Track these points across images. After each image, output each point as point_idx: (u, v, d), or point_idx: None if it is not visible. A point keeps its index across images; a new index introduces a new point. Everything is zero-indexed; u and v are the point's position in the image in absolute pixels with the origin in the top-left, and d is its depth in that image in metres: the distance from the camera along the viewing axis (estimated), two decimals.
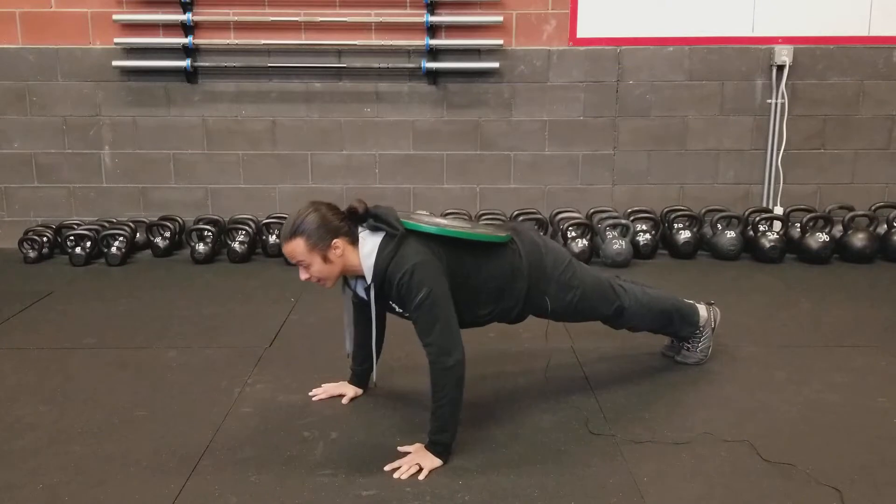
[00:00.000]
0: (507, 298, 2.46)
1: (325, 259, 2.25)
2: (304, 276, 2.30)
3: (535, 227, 2.80)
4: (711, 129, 5.04)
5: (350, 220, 2.30)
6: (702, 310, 2.94)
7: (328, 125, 5.03)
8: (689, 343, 2.95)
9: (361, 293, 2.42)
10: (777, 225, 4.81)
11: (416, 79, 4.96)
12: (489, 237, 2.41)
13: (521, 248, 2.50)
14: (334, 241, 2.24)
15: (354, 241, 2.29)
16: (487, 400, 2.65)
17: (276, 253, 4.74)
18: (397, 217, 2.29)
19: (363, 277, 2.32)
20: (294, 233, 2.24)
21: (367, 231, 2.30)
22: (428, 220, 2.39)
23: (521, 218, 4.82)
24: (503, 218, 4.81)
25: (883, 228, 4.71)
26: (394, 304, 2.35)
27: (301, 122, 5.02)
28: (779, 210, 4.96)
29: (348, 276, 2.41)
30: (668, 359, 3.01)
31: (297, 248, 2.24)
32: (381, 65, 4.91)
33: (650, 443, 2.36)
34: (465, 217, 2.74)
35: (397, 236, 2.24)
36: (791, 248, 4.71)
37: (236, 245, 4.71)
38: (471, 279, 2.35)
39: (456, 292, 2.28)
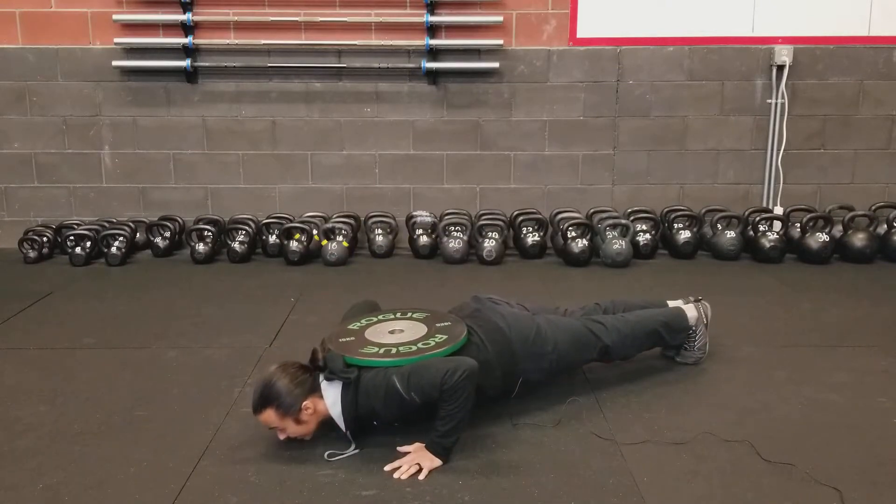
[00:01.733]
0: (485, 390, 2.43)
1: (298, 421, 2.27)
2: (282, 437, 2.32)
3: (495, 299, 2.77)
4: (711, 129, 5.04)
5: (315, 371, 2.33)
6: (689, 310, 2.94)
7: (328, 125, 5.03)
8: (685, 343, 2.95)
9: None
10: (777, 225, 4.81)
11: (416, 79, 4.96)
12: (443, 352, 2.34)
13: (484, 337, 2.49)
14: (304, 403, 2.26)
15: (321, 393, 2.31)
16: (487, 400, 2.65)
17: (276, 253, 4.75)
18: (344, 364, 2.30)
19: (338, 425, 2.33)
20: (264, 403, 2.25)
21: (326, 381, 2.32)
22: (379, 343, 2.39)
23: (520, 218, 4.82)
24: (503, 220, 4.81)
25: (883, 228, 4.71)
26: (377, 423, 2.37)
27: (301, 122, 5.02)
28: (779, 210, 4.96)
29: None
30: (667, 359, 3.01)
31: (269, 417, 2.26)
32: (381, 65, 4.91)
33: (650, 443, 2.36)
34: (422, 311, 2.69)
35: (351, 382, 2.27)
36: (791, 248, 4.71)
37: (236, 245, 4.71)
38: None
39: (429, 403, 2.25)
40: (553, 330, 2.63)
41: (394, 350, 2.36)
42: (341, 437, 2.34)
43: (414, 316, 2.64)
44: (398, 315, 2.67)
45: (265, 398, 2.25)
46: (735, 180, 5.11)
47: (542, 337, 2.58)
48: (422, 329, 2.51)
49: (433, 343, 2.39)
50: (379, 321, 2.62)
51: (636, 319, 2.83)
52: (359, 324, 2.59)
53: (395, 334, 2.50)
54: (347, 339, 2.47)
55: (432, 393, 2.20)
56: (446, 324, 2.53)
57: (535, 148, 5.06)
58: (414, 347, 2.37)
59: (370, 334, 2.50)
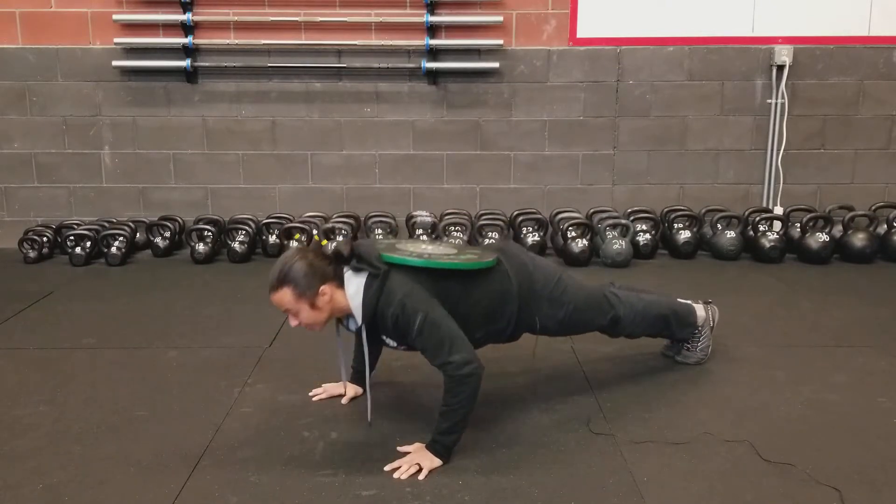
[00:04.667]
0: (499, 320, 2.45)
1: (314, 306, 2.24)
2: (293, 322, 2.30)
3: (524, 247, 2.81)
4: (711, 129, 5.04)
5: (336, 263, 2.30)
6: (699, 309, 2.94)
7: (328, 125, 5.03)
8: (688, 343, 2.95)
9: (354, 331, 2.41)
10: (777, 225, 4.81)
11: (416, 79, 4.96)
12: (474, 264, 2.38)
13: (510, 269, 2.50)
14: (321, 287, 2.23)
15: (341, 283, 2.29)
16: (487, 400, 2.64)
17: (276, 253, 4.74)
18: (378, 254, 2.29)
19: (353, 317, 2.32)
20: (281, 282, 2.22)
21: (351, 271, 2.30)
22: (413, 250, 2.40)
23: (520, 218, 4.83)
24: (503, 220, 4.81)
25: (883, 228, 4.71)
26: (388, 339, 2.36)
27: (301, 122, 5.02)
28: (779, 210, 4.96)
29: (339, 317, 2.40)
30: (668, 359, 3.01)
31: (284, 297, 2.23)
32: (381, 65, 4.91)
33: (650, 443, 2.36)
34: (454, 242, 2.74)
35: (380, 274, 2.24)
36: (791, 248, 4.71)
37: (236, 245, 4.71)
38: (460, 306, 2.33)
39: (423, 355, 2.27)
40: (573, 284, 2.65)
41: (426, 255, 2.36)
42: (341, 436, 2.33)
43: (444, 243, 2.70)
44: (427, 241, 2.70)
45: (283, 277, 2.22)
46: (735, 180, 5.11)
47: (562, 285, 2.59)
48: (452, 250, 2.55)
49: (464, 258, 2.41)
50: (409, 241, 2.63)
51: (650, 300, 2.84)
52: (387, 241, 2.60)
53: (427, 249, 2.50)
54: (379, 245, 2.47)
55: (432, 357, 2.21)
56: (476, 251, 2.59)
57: (535, 148, 5.06)
58: (445, 257, 2.38)
59: (401, 246, 2.49)
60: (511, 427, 2.47)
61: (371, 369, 2.57)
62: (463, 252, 2.51)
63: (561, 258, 4.68)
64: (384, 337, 2.36)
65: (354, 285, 2.27)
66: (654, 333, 2.91)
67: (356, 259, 2.28)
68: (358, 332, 2.35)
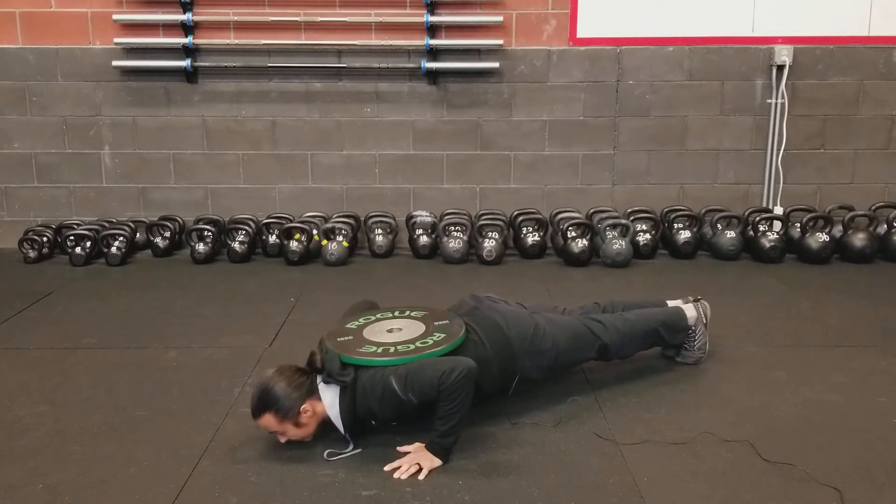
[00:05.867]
0: (483, 387, 2.43)
1: (298, 424, 2.28)
2: (282, 440, 2.32)
3: (494, 297, 2.76)
4: (711, 129, 5.04)
5: (313, 373, 2.33)
6: (688, 310, 2.94)
7: (328, 125, 5.03)
8: (685, 343, 2.95)
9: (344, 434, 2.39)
10: (777, 225, 4.81)
11: (416, 79, 4.96)
12: (441, 350, 2.34)
13: (482, 335, 2.49)
14: (302, 406, 2.26)
15: (318, 394, 2.31)
16: (484, 397, 2.65)
17: (276, 253, 4.75)
18: (340, 365, 2.29)
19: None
20: (263, 409, 2.26)
21: (323, 384, 2.32)
22: (379, 341, 2.39)
23: (520, 218, 4.82)
24: (503, 220, 4.81)
25: (883, 228, 4.71)
26: (375, 423, 2.37)
27: (301, 122, 5.02)
28: (779, 210, 4.96)
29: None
30: (667, 359, 3.01)
31: (268, 422, 2.27)
32: (381, 65, 4.91)
33: (650, 443, 2.36)
34: (421, 310, 2.69)
35: (348, 386, 2.27)
36: (791, 248, 4.71)
37: (236, 245, 4.71)
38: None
39: (427, 402, 2.25)
40: (552, 328, 2.63)
41: (392, 349, 2.36)
42: (341, 437, 2.34)
43: (412, 314, 2.64)
44: (396, 314, 2.67)
45: (263, 403, 2.25)
46: (735, 180, 5.11)
47: (540, 335, 2.58)
48: (420, 328, 2.51)
49: (431, 342, 2.39)
50: (377, 319, 2.62)
51: (635, 318, 2.83)
52: (357, 322, 2.59)
53: (394, 333, 2.49)
54: (345, 338, 2.47)
55: (430, 393, 2.20)
56: (444, 322, 2.53)
57: (535, 148, 5.06)
58: (412, 346, 2.37)
59: (368, 333, 2.50)
60: (511, 427, 2.47)
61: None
62: (430, 329, 2.48)
63: (561, 258, 4.68)
64: (373, 422, 2.37)
65: (329, 397, 2.30)
66: (647, 348, 2.92)
67: (325, 374, 2.30)
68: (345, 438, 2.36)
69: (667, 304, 3.02)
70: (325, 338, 2.47)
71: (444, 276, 4.43)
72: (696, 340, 2.94)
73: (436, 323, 2.52)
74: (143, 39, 4.86)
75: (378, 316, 2.65)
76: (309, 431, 2.32)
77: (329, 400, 2.30)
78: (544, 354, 2.58)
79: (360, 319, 2.62)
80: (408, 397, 2.22)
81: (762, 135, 5.03)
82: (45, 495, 2.09)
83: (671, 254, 4.82)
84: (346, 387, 2.27)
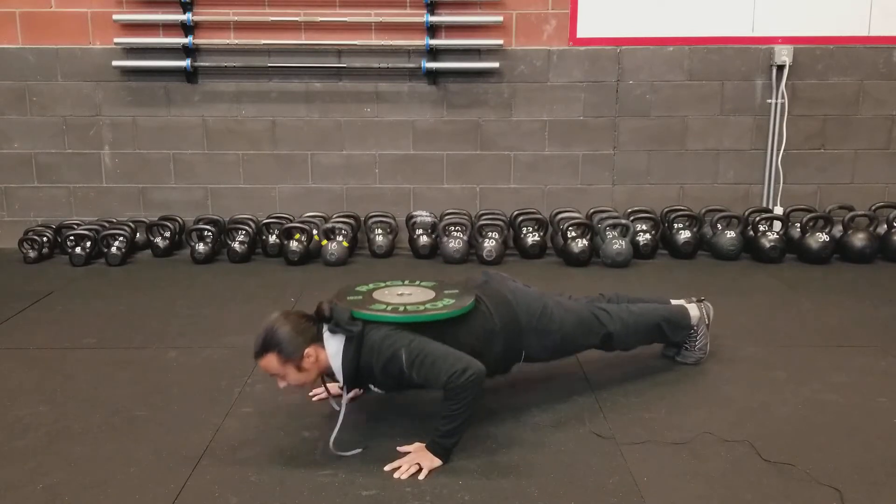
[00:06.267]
0: (485, 360, 2.41)
1: (300, 368, 2.27)
2: (282, 384, 2.32)
3: (505, 275, 2.77)
4: (711, 129, 5.04)
5: (319, 322, 2.32)
6: (692, 309, 2.94)
7: (328, 125, 5.03)
8: (686, 343, 2.95)
9: (341, 387, 2.40)
10: (777, 225, 4.81)
11: (416, 79, 4.96)
12: (451, 313, 2.36)
13: (491, 307, 2.49)
14: (306, 350, 2.26)
15: (323, 342, 2.31)
16: (487, 400, 2.64)
17: (276, 253, 4.75)
18: (351, 316, 2.29)
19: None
20: (266, 348, 2.25)
21: (329, 333, 2.31)
22: (388, 302, 2.39)
23: (520, 218, 4.82)
24: (503, 220, 4.81)
25: (883, 228, 4.71)
26: (375, 389, 2.37)
27: (301, 122, 5.02)
28: (779, 210, 4.96)
29: (325, 374, 2.40)
30: (667, 359, 3.01)
31: (270, 362, 2.26)
32: (381, 65, 4.91)
33: (650, 443, 2.36)
34: (432, 280, 2.69)
35: (354, 336, 2.26)
36: (791, 248, 4.71)
37: (236, 245, 4.71)
38: None
39: (427, 386, 2.26)
40: (560, 310, 2.63)
41: (401, 308, 2.35)
42: (341, 436, 2.34)
43: (422, 283, 2.65)
44: (406, 282, 2.68)
45: (268, 343, 2.24)
46: (735, 180, 5.11)
47: (548, 315, 2.58)
48: (429, 294, 2.52)
49: (441, 305, 2.39)
50: (387, 286, 2.61)
51: (640, 311, 2.83)
52: (366, 287, 2.59)
53: (403, 297, 2.49)
54: (355, 297, 2.46)
55: (433, 384, 2.20)
56: (454, 291, 2.54)
57: (535, 148, 5.06)
58: (421, 307, 2.37)
59: (378, 295, 2.49)
60: (511, 427, 2.47)
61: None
62: (440, 295, 2.48)
63: (561, 258, 4.68)
64: (371, 386, 2.38)
65: (334, 346, 2.29)
66: (649, 342, 2.92)
67: (332, 322, 2.30)
68: (342, 389, 2.37)
69: (671, 303, 3.02)
70: (333, 296, 2.45)
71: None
72: (697, 341, 2.94)
73: (446, 291, 2.54)
74: (143, 39, 4.86)
75: (387, 283, 2.65)
76: (309, 378, 2.31)
77: (333, 349, 2.28)
78: (551, 335, 2.57)
79: (370, 285, 2.62)
80: (410, 375, 2.22)
81: (762, 135, 5.03)
82: (45, 495, 2.09)
83: (671, 254, 4.82)
84: (353, 337, 2.26)
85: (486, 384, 2.26)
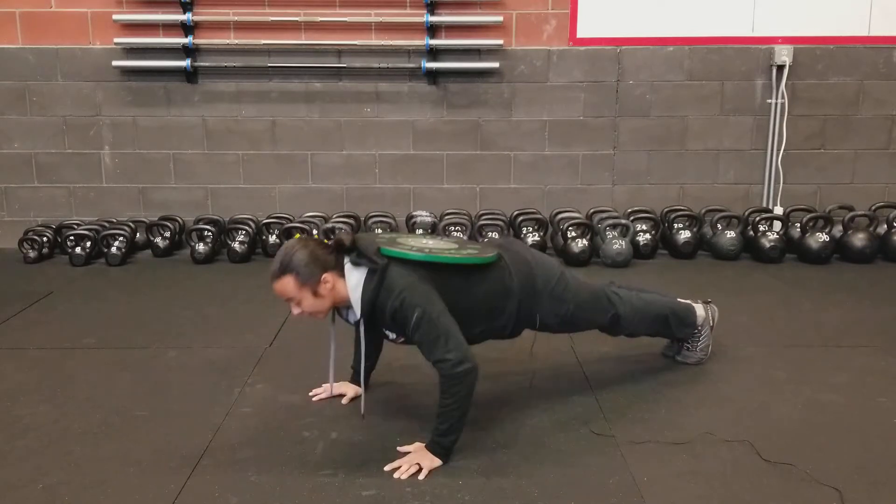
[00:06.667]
0: (499, 317, 2.45)
1: (316, 294, 2.26)
2: (296, 311, 2.31)
3: (525, 243, 2.80)
4: (711, 129, 5.04)
5: (338, 253, 2.31)
6: (699, 309, 2.94)
7: (328, 125, 5.03)
8: (688, 343, 2.95)
9: (353, 323, 2.42)
10: (777, 225, 4.81)
11: (416, 79, 4.96)
12: (475, 259, 2.39)
13: (511, 265, 2.50)
14: (324, 275, 2.25)
15: (342, 273, 2.29)
16: (487, 400, 2.65)
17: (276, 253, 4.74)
18: (378, 249, 2.28)
19: (353, 309, 2.33)
20: (283, 270, 2.24)
21: (352, 264, 2.30)
22: (413, 244, 2.40)
23: (520, 218, 4.83)
24: (503, 220, 4.81)
25: (883, 228, 4.71)
26: (388, 332, 2.36)
27: (301, 122, 5.02)
28: (779, 210, 4.96)
29: (339, 307, 2.40)
30: (668, 359, 3.01)
31: (287, 285, 2.25)
32: (381, 65, 4.91)
33: (650, 443, 2.36)
34: (455, 237, 2.74)
35: (379, 269, 2.24)
36: (791, 248, 4.71)
37: (236, 245, 4.71)
38: (459, 301, 2.33)
39: (419, 350, 2.27)
40: (575, 282, 2.65)
41: (427, 249, 2.37)
42: (341, 436, 2.34)
43: (445, 238, 2.69)
44: (428, 237, 2.72)
45: (286, 265, 2.24)
46: (735, 180, 5.11)
47: (564, 283, 2.59)
48: (453, 245, 2.55)
49: (465, 252, 2.42)
50: (411, 236, 2.64)
51: (650, 300, 2.84)
52: (388, 236, 2.59)
53: (428, 244, 2.51)
54: (380, 240, 2.46)
55: (425, 353, 2.22)
56: (476, 246, 2.59)
57: (535, 148, 5.06)
58: (446, 251, 2.39)
59: (402, 241, 2.50)
60: (511, 427, 2.47)
61: (371, 363, 2.59)
62: (464, 247, 2.51)
63: (561, 258, 4.68)
64: (384, 329, 2.36)
65: (355, 278, 2.27)
66: (653, 333, 2.91)
67: (356, 253, 2.29)
68: (357, 324, 2.36)
69: (679, 300, 3.02)
70: (357, 237, 2.44)
71: None
72: (699, 341, 2.94)
73: (468, 246, 2.58)
74: (143, 39, 4.86)
75: (409, 236, 2.67)
76: (325, 305, 2.29)
77: (354, 281, 2.27)
78: (564, 303, 2.58)
79: (393, 235, 2.63)
80: (413, 334, 2.22)
81: (762, 135, 5.03)
82: (45, 495, 2.09)
83: (671, 254, 4.82)
84: (377, 270, 2.24)
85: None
